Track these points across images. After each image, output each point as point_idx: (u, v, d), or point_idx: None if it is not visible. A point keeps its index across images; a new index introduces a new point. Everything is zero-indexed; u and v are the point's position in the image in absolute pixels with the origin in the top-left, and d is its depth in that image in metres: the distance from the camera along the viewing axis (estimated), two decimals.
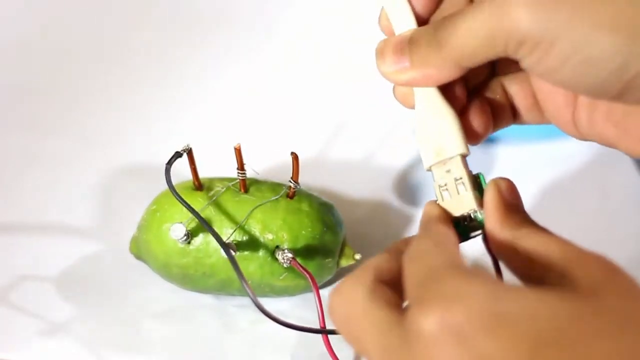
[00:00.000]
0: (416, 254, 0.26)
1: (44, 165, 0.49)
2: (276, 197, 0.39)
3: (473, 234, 0.30)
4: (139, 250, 0.41)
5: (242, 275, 0.33)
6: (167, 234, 0.38)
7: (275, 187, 0.40)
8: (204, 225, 0.35)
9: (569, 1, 0.26)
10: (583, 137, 0.32)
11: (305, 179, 0.41)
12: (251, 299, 0.33)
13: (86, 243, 0.44)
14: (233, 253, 0.36)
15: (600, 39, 0.26)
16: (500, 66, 0.33)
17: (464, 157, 0.30)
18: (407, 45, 0.30)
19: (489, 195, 0.28)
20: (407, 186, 0.48)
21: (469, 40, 0.28)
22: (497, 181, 0.29)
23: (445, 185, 0.30)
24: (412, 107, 0.32)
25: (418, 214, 0.46)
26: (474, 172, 0.31)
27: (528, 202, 0.29)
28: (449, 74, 0.29)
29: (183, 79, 0.55)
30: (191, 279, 0.39)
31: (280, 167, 0.42)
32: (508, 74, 0.33)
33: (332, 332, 0.36)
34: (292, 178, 0.39)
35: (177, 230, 0.37)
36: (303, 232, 0.39)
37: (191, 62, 0.56)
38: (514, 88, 0.32)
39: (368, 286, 0.26)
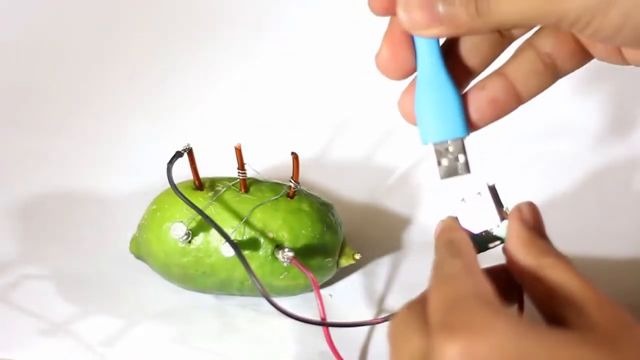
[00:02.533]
0: (445, 278, 0.26)
1: (44, 165, 0.49)
2: (276, 196, 0.39)
3: (491, 245, 0.31)
4: (139, 249, 0.41)
5: (249, 266, 0.34)
6: (167, 234, 0.38)
7: (275, 186, 0.40)
8: (209, 221, 0.35)
9: None
10: (632, 64, 0.31)
11: (306, 179, 0.42)
12: (259, 288, 0.34)
13: (86, 243, 0.44)
14: (233, 252, 0.36)
15: None
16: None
17: (463, 139, 0.30)
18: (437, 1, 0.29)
19: (513, 221, 0.29)
20: (407, 186, 0.48)
21: (514, 14, 0.27)
22: (521, 206, 0.29)
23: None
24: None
25: (418, 214, 0.46)
26: (490, 184, 0.31)
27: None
28: (482, 33, 0.29)
29: (184, 79, 0.55)
30: (191, 278, 0.39)
31: (280, 167, 0.42)
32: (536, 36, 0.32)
33: (333, 324, 0.36)
34: (292, 178, 0.39)
35: (178, 229, 0.37)
36: (303, 231, 0.39)
37: (192, 62, 0.56)
38: (550, 44, 0.31)
39: (405, 311, 0.27)
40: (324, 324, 0.36)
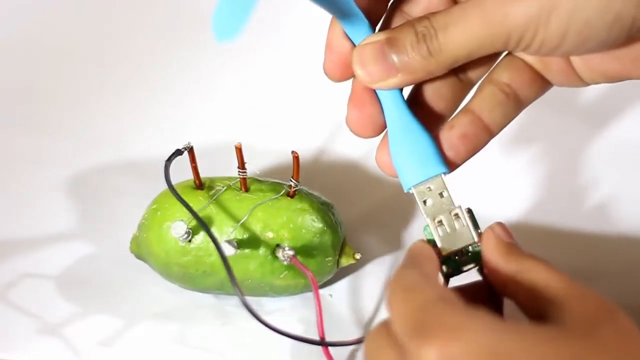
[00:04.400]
0: (406, 287, 0.26)
1: (44, 165, 0.49)
2: (277, 196, 0.39)
3: (465, 267, 0.31)
4: (139, 249, 0.41)
5: (232, 275, 0.34)
6: (167, 233, 0.38)
7: (275, 186, 0.40)
8: (201, 224, 0.35)
9: None
10: (589, 83, 0.32)
11: (306, 178, 0.42)
12: (242, 301, 0.34)
13: (86, 243, 0.44)
14: (234, 251, 0.36)
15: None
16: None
17: (442, 176, 0.31)
18: (388, 49, 0.30)
19: (489, 235, 0.30)
20: None
21: (464, 47, 0.28)
22: (493, 226, 0.30)
23: (440, 221, 0.31)
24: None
25: (418, 214, 0.46)
26: (466, 207, 0.31)
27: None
28: (438, 74, 0.30)
29: (184, 79, 0.55)
30: (191, 277, 0.39)
31: (280, 166, 0.42)
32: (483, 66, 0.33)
33: (332, 344, 0.36)
34: (292, 177, 0.39)
35: (178, 228, 0.37)
36: (303, 231, 0.39)
37: (192, 62, 0.56)
38: (507, 75, 0.32)
39: (376, 328, 0.27)
40: (322, 343, 0.36)
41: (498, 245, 0.29)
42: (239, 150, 0.38)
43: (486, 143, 0.33)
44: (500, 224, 0.30)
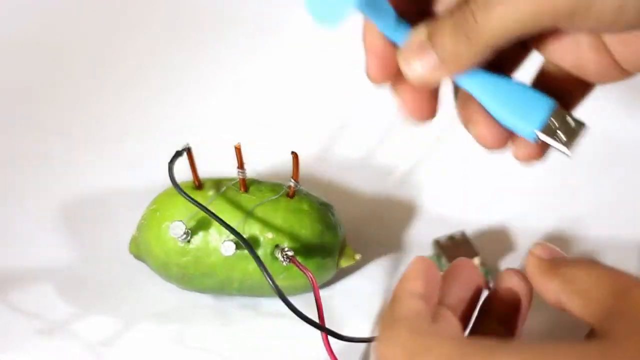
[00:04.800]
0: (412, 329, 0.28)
1: (44, 165, 0.49)
2: (276, 196, 0.39)
3: None
4: (138, 250, 0.41)
5: (258, 257, 0.35)
6: (166, 233, 0.38)
7: (275, 186, 0.40)
8: (216, 219, 0.35)
9: None
10: (632, 71, 0.31)
11: (306, 179, 0.41)
12: (267, 279, 0.34)
13: (86, 243, 0.44)
14: (233, 251, 0.36)
15: None
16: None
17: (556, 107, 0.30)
18: (429, 43, 0.29)
19: (530, 259, 0.30)
20: (408, 186, 0.48)
21: (507, 23, 0.27)
22: (532, 249, 0.30)
23: (438, 241, 0.38)
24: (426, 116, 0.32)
25: (419, 214, 0.46)
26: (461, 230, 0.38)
27: None
28: (482, 58, 0.29)
29: (184, 79, 0.55)
30: (190, 278, 0.39)
31: (280, 167, 0.42)
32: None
33: (334, 334, 0.36)
34: (292, 177, 0.39)
35: (177, 228, 0.37)
36: (303, 231, 0.39)
37: (191, 62, 0.56)
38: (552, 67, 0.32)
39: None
40: (324, 329, 0.36)
41: (539, 266, 0.29)
42: (238, 151, 0.38)
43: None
44: (539, 244, 0.30)
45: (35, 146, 0.50)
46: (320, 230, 0.39)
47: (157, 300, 0.41)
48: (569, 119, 0.30)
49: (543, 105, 0.30)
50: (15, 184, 0.48)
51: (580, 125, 0.30)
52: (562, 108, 0.30)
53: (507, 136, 0.31)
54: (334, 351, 0.36)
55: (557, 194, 0.48)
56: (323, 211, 0.40)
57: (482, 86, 0.30)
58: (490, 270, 0.41)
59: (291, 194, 0.39)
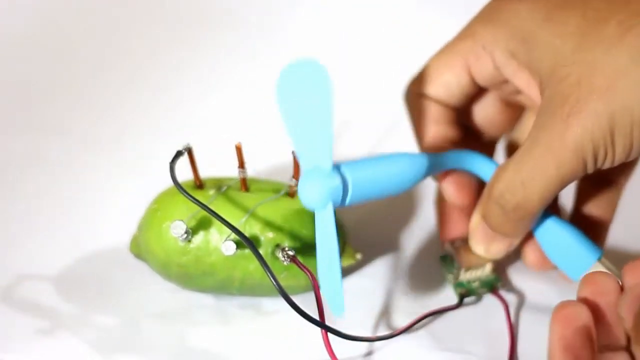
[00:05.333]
0: None
1: (44, 165, 0.49)
2: (277, 195, 0.39)
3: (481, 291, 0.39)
4: (139, 249, 0.41)
5: (260, 255, 0.34)
6: (167, 233, 0.38)
7: (276, 186, 0.40)
8: (218, 218, 0.35)
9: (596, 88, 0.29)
10: None
11: None
12: (276, 287, 0.34)
13: (86, 243, 0.44)
14: (234, 250, 0.36)
15: None
16: None
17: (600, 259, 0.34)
18: (485, 224, 0.34)
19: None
20: None
21: (546, 190, 0.31)
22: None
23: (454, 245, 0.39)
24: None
25: (420, 214, 0.46)
26: None
27: None
28: (533, 224, 0.34)
29: (184, 79, 0.55)
30: (191, 277, 0.39)
31: (281, 166, 0.42)
32: None
33: (334, 331, 0.36)
34: (293, 177, 0.39)
35: (178, 228, 0.37)
36: (304, 230, 0.39)
37: (192, 62, 0.56)
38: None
39: None
40: (324, 326, 0.36)
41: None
42: (239, 150, 0.38)
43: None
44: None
45: (35, 146, 0.50)
46: None
47: (157, 300, 0.41)
48: (608, 268, 0.33)
49: (588, 257, 0.33)
50: (16, 184, 0.48)
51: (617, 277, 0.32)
52: (605, 260, 0.33)
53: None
54: (335, 352, 0.36)
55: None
56: None
57: (538, 229, 0.34)
58: (499, 277, 0.41)
59: (292, 194, 0.39)
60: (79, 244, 0.44)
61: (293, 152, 0.38)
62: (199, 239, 0.38)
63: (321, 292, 0.32)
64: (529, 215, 0.32)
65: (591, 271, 0.32)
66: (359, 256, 0.41)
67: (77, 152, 0.50)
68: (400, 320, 0.40)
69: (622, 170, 0.36)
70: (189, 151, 0.38)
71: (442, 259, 0.42)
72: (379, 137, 0.50)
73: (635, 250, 0.44)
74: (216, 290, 0.40)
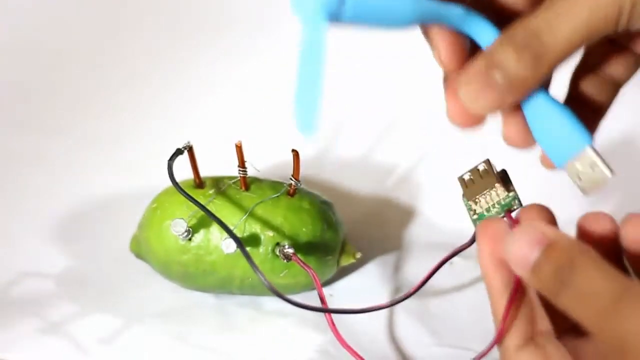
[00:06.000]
0: None
1: (44, 165, 0.49)
2: (277, 194, 0.39)
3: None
4: (139, 248, 0.41)
5: (250, 258, 0.34)
6: (167, 232, 0.38)
7: (276, 184, 0.40)
8: (211, 216, 0.34)
9: None
10: None
11: (306, 177, 0.42)
12: (261, 279, 0.34)
13: (86, 242, 0.44)
14: (234, 249, 0.36)
15: None
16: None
17: (591, 147, 0.30)
18: (493, 70, 0.28)
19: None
20: (408, 184, 0.48)
21: (573, 33, 0.27)
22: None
23: (470, 177, 0.33)
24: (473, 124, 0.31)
25: (420, 212, 0.46)
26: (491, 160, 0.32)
27: None
28: (546, 77, 0.28)
29: (184, 78, 0.55)
30: (191, 276, 0.39)
31: (281, 165, 0.42)
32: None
33: (338, 311, 0.35)
34: (293, 176, 0.39)
35: (178, 226, 0.37)
36: (304, 229, 0.39)
37: (192, 61, 0.56)
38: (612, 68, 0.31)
39: None
40: (326, 310, 0.36)
41: None
42: (239, 149, 0.38)
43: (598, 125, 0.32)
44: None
45: (35, 146, 0.50)
46: (321, 229, 0.39)
47: (158, 299, 0.41)
48: (597, 163, 0.29)
49: (578, 142, 0.30)
50: (16, 184, 0.48)
51: (604, 174, 0.29)
52: (595, 150, 0.29)
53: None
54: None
55: (560, 195, 0.48)
56: (323, 209, 0.40)
57: (527, 105, 0.30)
58: (515, 194, 0.34)
59: (292, 193, 0.40)
60: (79, 244, 0.44)
61: (293, 151, 0.38)
62: (199, 237, 0.38)
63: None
64: (549, 63, 0.27)
65: (578, 159, 0.29)
66: (358, 255, 0.41)
67: (77, 151, 0.50)
68: (401, 317, 0.40)
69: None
70: (190, 149, 0.38)
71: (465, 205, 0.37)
72: (378, 136, 0.50)
73: None
74: (217, 289, 0.40)
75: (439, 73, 0.32)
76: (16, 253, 0.44)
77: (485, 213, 0.34)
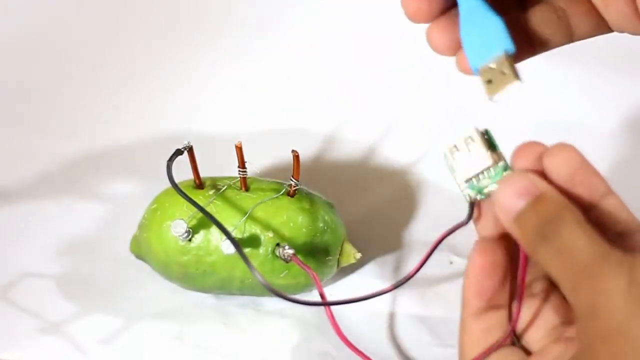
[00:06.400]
0: None
1: (44, 165, 0.49)
2: (277, 195, 0.39)
3: (486, 190, 0.29)
4: (139, 249, 0.41)
5: (247, 260, 0.33)
6: (167, 232, 0.38)
7: (276, 185, 0.40)
8: (209, 218, 0.34)
9: None
10: None
11: (306, 177, 0.41)
12: (258, 278, 0.33)
13: (86, 243, 0.44)
14: (234, 249, 0.36)
15: None
16: None
17: (508, 52, 0.29)
18: None
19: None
20: (408, 184, 0.48)
21: None
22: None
23: (455, 146, 0.30)
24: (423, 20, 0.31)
25: (418, 213, 0.46)
26: (481, 129, 0.30)
27: None
28: None
29: (184, 78, 0.55)
30: (191, 277, 0.39)
31: (281, 166, 0.42)
32: None
33: (337, 303, 0.35)
34: (293, 176, 0.39)
35: (178, 227, 0.37)
36: (304, 230, 0.39)
37: (192, 62, 0.56)
38: (563, 1, 0.31)
39: None
40: (325, 303, 0.36)
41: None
42: (239, 149, 0.38)
43: (528, 56, 0.31)
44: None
45: (34, 145, 0.50)
46: (321, 229, 0.39)
47: (158, 300, 0.41)
48: (509, 68, 0.29)
49: (496, 46, 0.29)
50: (16, 184, 0.48)
51: (513, 80, 0.28)
52: (511, 58, 0.29)
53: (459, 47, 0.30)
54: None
55: None
56: (324, 210, 0.40)
57: (467, 12, 0.30)
58: (506, 163, 0.30)
59: (292, 193, 0.39)
60: (79, 244, 0.44)
61: (293, 151, 0.38)
62: (199, 238, 0.38)
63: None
64: None
65: (493, 62, 0.29)
66: (358, 255, 0.41)
67: (77, 151, 0.50)
68: (401, 317, 0.40)
69: None
70: (190, 150, 0.38)
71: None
72: (378, 135, 0.50)
73: None
74: (217, 290, 0.40)
75: (439, 73, 0.32)
76: (16, 253, 0.44)
77: (476, 186, 0.30)
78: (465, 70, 0.30)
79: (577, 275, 0.24)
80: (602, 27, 0.31)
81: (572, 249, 0.25)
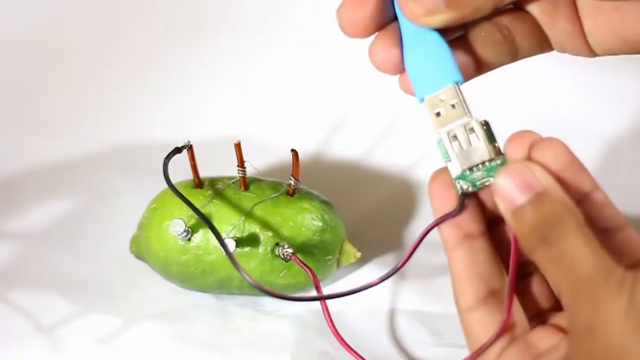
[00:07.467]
0: None
1: (44, 165, 0.49)
2: (276, 194, 0.39)
3: (480, 182, 0.29)
4: (139, 249, 0.41)
5: (238, 264, 0.32)
6: (167, 232, 0.38)
7: (275, 184, 0.40)
8: (203, 219, 0.34)
9: None
10: (597, 52, 0.30)
11: (306, 177, 0.41)
12: (248, 281, 0.32)
13: (86, 242, 0.44)
14: (234, 248, 0.36)
15: None
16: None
17: (457, 85, 0.29)
18: None
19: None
20: (407, 184, 0.48)
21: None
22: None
23: (455, 136, 0.29)
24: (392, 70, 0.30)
25: (418, 212, 0.46)
26: (481, 119, 0.29)
27: None
28: (484, 13, 0.27)
29: (184, 78, 0.55)
30: (191, 276, 0.39)
31: (280, 165, 0.42)
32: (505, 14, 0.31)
33: (330, 297, 0.35)
34: (292, 175, 0.39)
35: (177, 226, 0.37)
36: (303, 229, 0.39)
37: (191, 61, 0.56)
38: (508, 20, 0.30)
39: None
40: (320, 298, 0.36)
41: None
42: (238, 149, 0.38)
43: (472, 77, 0.30)
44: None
45: (34, 145, 0.50)
46: (321, 229, 0.39)
47: (157, 300, 0.41)
48: (460, 102, 0.28)
49: (446, 77, 0.28)
50: (16, 184, 0.48)
51: (462, 116, 0.28)
52: (460, 90, 0.28)
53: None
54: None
55: None
56: (323, 209, 0.40)
57: (410, 34, 0.29)
58: (503, 158, 0.31)
59: (291, 192, 0.39)
60: (78, 244, 0.44)
61: (293, 150, 0.38)
62: (198, 237, 0.38)
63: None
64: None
65: (442, 94, 0.28)
66: (358, 255, 0.41)
67: (76, 151, 0.50)
68: (401, 317, 0.40)
69: None
70: (190, 149, 0.38)
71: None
72: (378, 135, 0.50)
73: None
74: (216, 289, 0.40)
75: None
76: (16, 253, 0.44)
77: (468, 176, 0.30)
78: (409, 92, 0.30)
79: (577, 291, 0.24)
80: (545, 46, 0.31)
81: (572, 260, 0.24)
